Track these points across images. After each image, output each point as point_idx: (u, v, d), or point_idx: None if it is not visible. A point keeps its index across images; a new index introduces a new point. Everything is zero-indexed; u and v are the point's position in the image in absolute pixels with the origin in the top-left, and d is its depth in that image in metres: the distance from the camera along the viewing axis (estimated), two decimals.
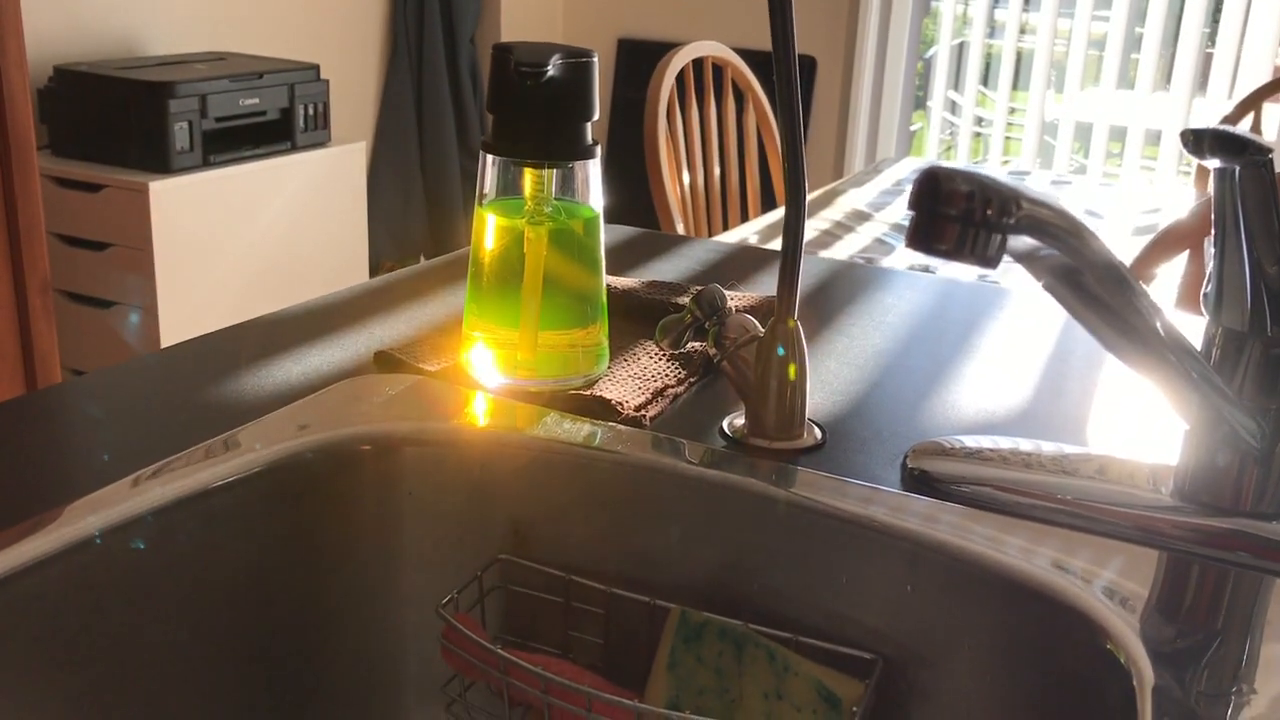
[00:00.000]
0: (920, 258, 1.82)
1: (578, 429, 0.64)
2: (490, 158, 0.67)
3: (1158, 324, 0.48)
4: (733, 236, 1.89)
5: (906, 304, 0.90)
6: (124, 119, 2.31)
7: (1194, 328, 0.56)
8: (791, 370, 0.62)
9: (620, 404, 0.66)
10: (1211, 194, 0.51)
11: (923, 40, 3.70)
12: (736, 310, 0.66)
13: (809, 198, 2.18)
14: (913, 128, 3.71)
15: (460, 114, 3.44)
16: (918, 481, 0.60)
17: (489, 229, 0.68)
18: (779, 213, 2.00)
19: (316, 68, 2.64)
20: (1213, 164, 0.49)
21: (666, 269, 0.97)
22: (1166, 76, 3.43)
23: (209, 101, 2.36)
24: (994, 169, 3.08)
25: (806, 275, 0.97)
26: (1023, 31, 3.78)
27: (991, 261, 0.38)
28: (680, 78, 2.12)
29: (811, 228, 2.00)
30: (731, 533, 0.59)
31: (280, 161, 2.55)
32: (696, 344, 0.72)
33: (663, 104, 2.03)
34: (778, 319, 0.62)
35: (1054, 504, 0.57)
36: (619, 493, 0.62)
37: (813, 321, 0.84)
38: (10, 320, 1.87)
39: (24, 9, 1.83)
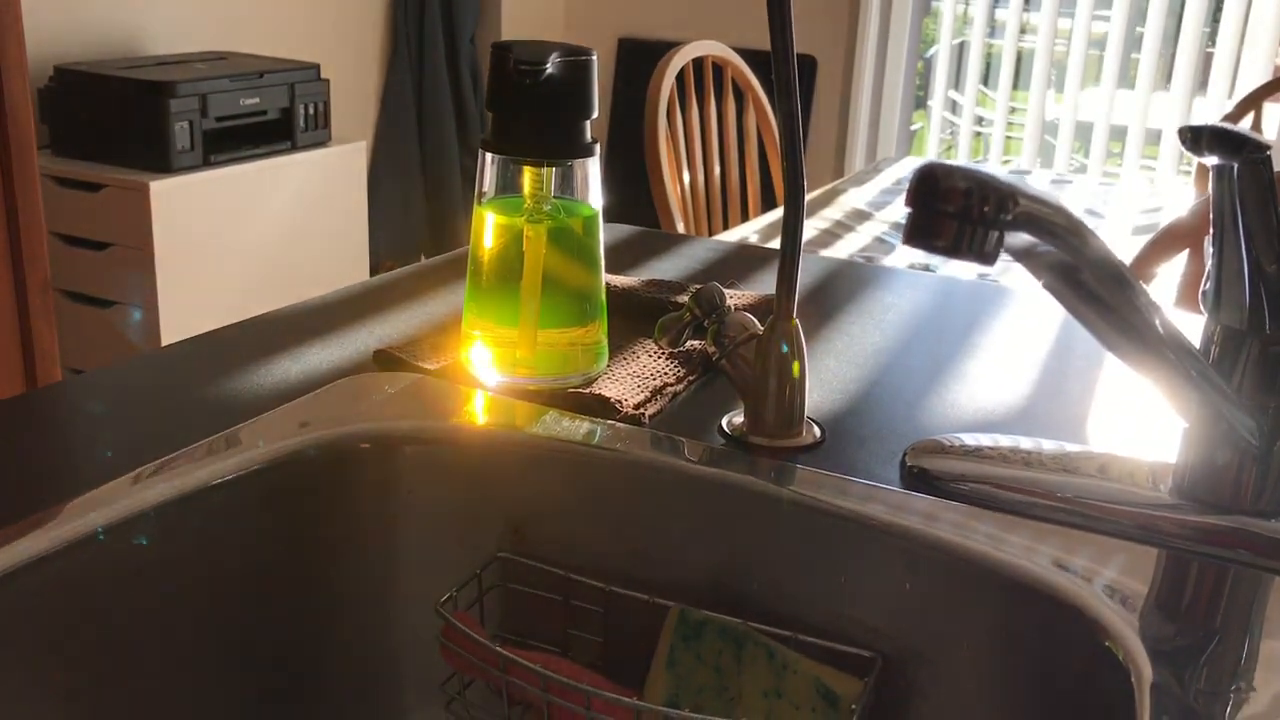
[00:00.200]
0: (920, 256, 1.82)
1: (577, 427, 0.64)
2: (489, 156, 0.67)
3: (1156, 322, 0.48)
4: (733, 236, 1.89)
5: (906, 302, 0.90)
6: (124, 118, 2.31)
7: (1193, 326, 0.56)
8: (791, 368, 0.62)
9: (619, 402, 0.66)
10: (1210, 200, 0.51)
11: (923, 40, 3.70)
12: (735, 308, 0.66)
13: (809, 197, 2.18)
14: (913, 127, 3.71)
15: (461, 114, 3.44)
16: (917, 479, 0.60)
17: (488, 227, 0.68)
18: (779, 212, 2.00)
19: (317, 67, 2.64)
20: (1211, 161, 0.49)
21: (666, 268, 0.97)
22: (1166, 76, 3.43)
23: (209, 101, 2.36)
24: (994, 168, 3.08)
25: (806, 274, 0.97)
26: (1023, 31, 3.78)
27: (989, 258, 0.38)
28: (680, 77, 2.12)
29: (812, 227, 2.00)
30: (731, 531, 0.59)
31: (281, 161, 2.55)
32: (696, 342, 0.72)
33: (663, 103, 2.03)
34: (777, 317, 0.62)
35: (1053, 502, 0.57)
36: (618, 491, 0.62)
37: (812, 320, 0.84)
38: (10, 320, 1.87)
39: (24, 8, 1.83)
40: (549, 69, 0.62)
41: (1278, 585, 0.52)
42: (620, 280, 0.85)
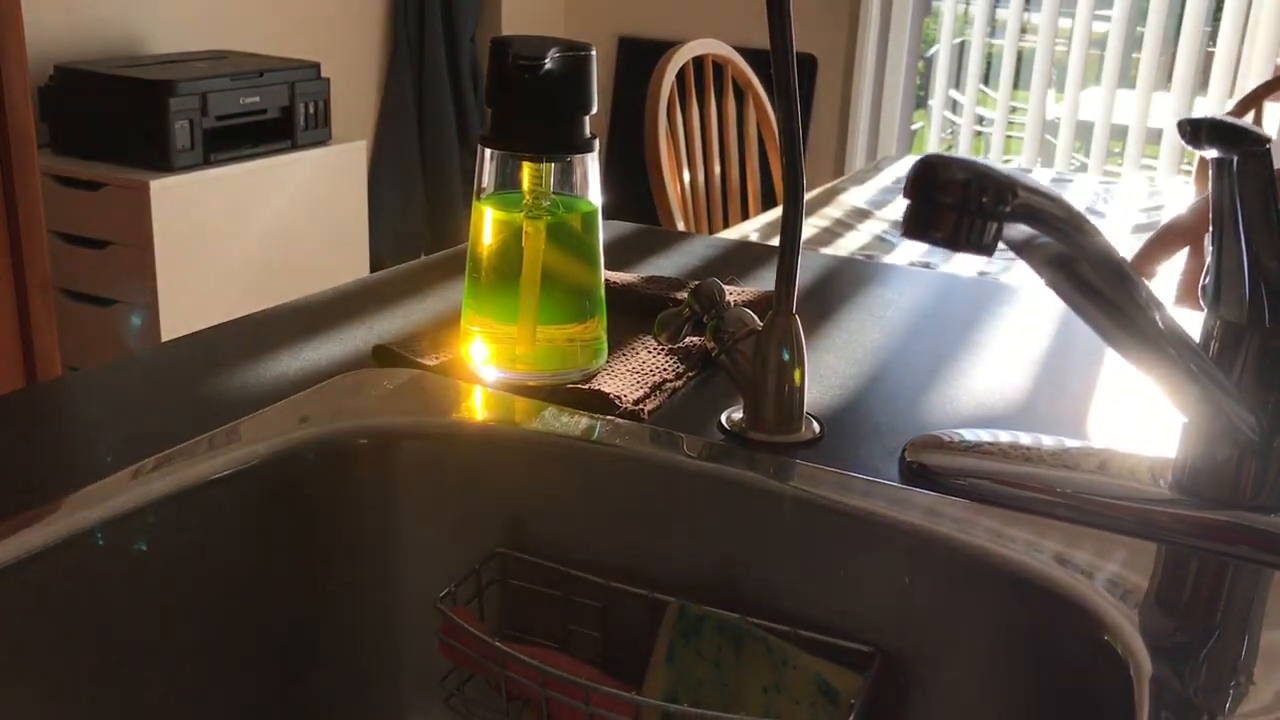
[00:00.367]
0: (920, 255, 1.82)
1: (576, 423, 0.64)
2: (489, 151, 0.67)
3: (1156, 316, 0.48)
4: (733, 234, 1.89)
5: (906, 299, 0.90)
6: (124, 117, 2.31)
7: (1193, 323, 0.56)
8: (790, 364, 0.62)
9: (618, 398, 0.66)
10: (1210, 195, 0.51)
11: (924, 39, 3.70)
12: (735, 304, 0.66)
13: (810, 195, 2.18)
14: (913, 126, 3.71)
15: (461, 113, 3.44)
16: (916, 475, 0.60)
17: (487, 223, 0.68)
18: (779, 211, 2.00)
19: (317, 66, 2.64)
20: (1210, 154, 0.49)
21: (666, 265, 0.97)
22: (1167, 75, 3.43)
23: (209, 100, 2.36)
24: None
25: (806, 271, 0.96)
26: (1023, 31, 3.78)
27: (987, 250, 0.38)
28: (681, 76, 2.12)
29: (812, 225, 2.00)
30: (730, 526, 0.59)
31: (281, 160, 2.55)
32: (695, 338, 0.72)
33: (663, 102, 2.03)
34: (776, 313, 0.62)
35: (1053, 497, 0.57)
36: (617, 487, 0.61)
37: (812, 316, 0.84)
38: (10, 319, 1.87)
39: (24, 7, 1.83)
40: (548, 64, 0.62)
41: (1277, 580, 0.52)
42: (620, 277, 0.85)
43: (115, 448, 0.58)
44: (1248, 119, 2.30)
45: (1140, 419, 0.70)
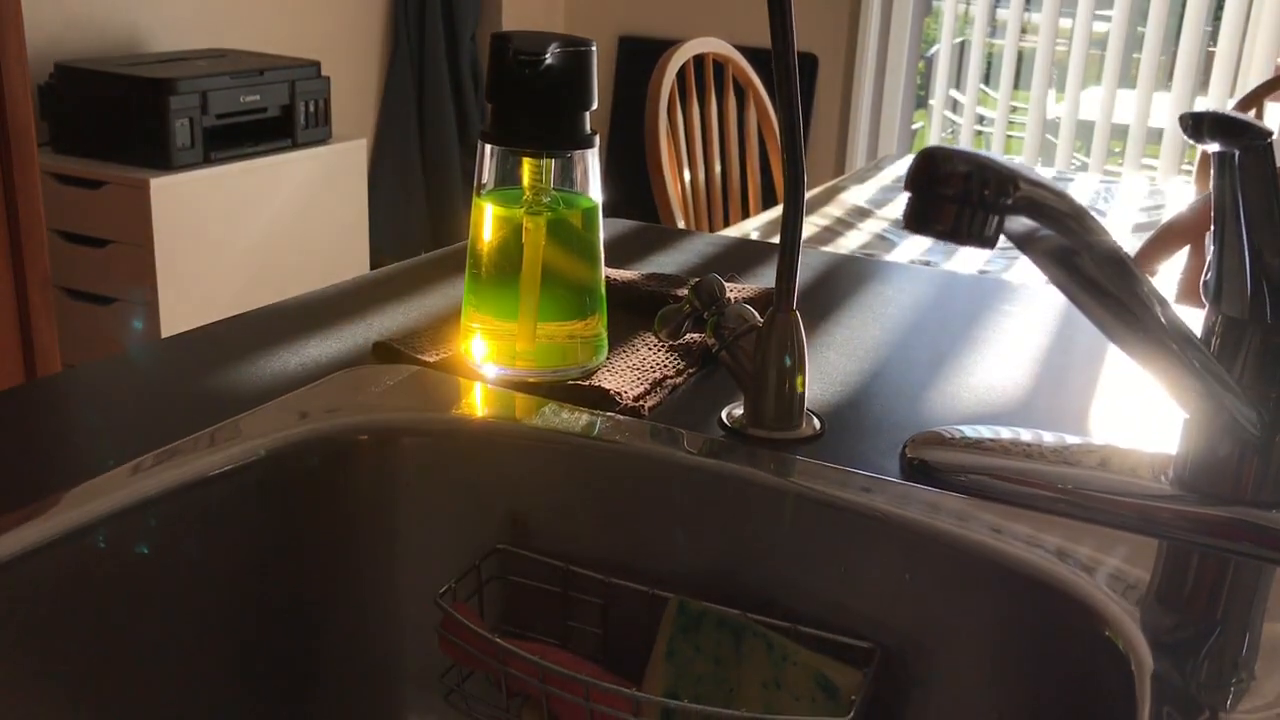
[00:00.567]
0: (921, 254, 1.82)
1: (576, 419, 0.63)
2: (489, 147, 0.67)
3: (1158, 311, 0.48)
4: (733, 233, 1.89)
5: (906, 296, 0.90)
6: (125, 115, 2.31)
7: (1195, 318, 0.56)
8: (791, 360, 0.62)
9: (619, 394, 0.66)
10: (1212, 190, 0.50)
11: (924, 39, 3.70)
12: (735, 301, 0.66)
13: (810, 194, 2.18)
14: (914, 126, 3.71)
15: (461, 112, 3.44)
16: (917, 471, 0.59)
17: (487, 219, 0.68)
18: (779, 210, 2.00)
19: (317, 64, 2.64)
20: (1212, 148, 0.49)
21: (666, 262, 0.97)
22: (1168, 75, 3.43)
23: (210, 98, 2.36)
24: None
25: (806, 269, 0.96)
26: (1024, 31, 3.78)
27: (989, 242, 0.38)
28: (681, 74, 2.12)
29: (812, 224, 2.00)
30: (730, 522, 0.59)
31: (281, 159, 2.55)
32: (695, 335, 0.72)
33: (663, 100, 2.03)
34: (777, 309, 0.61)
35: (1054, 493, 0.57)
36: (617, 483, 0.61)
37: (812, 314, 0.84)
38: (10, 317, 1.87)
39: (25, 5, 1.83)
40: (548, 59, 0.62)
41: (1279, 576, 0.52)
42: (620, 274, 0.85)
43: (115, 443, 0.58)
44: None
45: (1141, 415, 0.70)
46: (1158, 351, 0.49)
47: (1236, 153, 0.48)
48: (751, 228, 1.92)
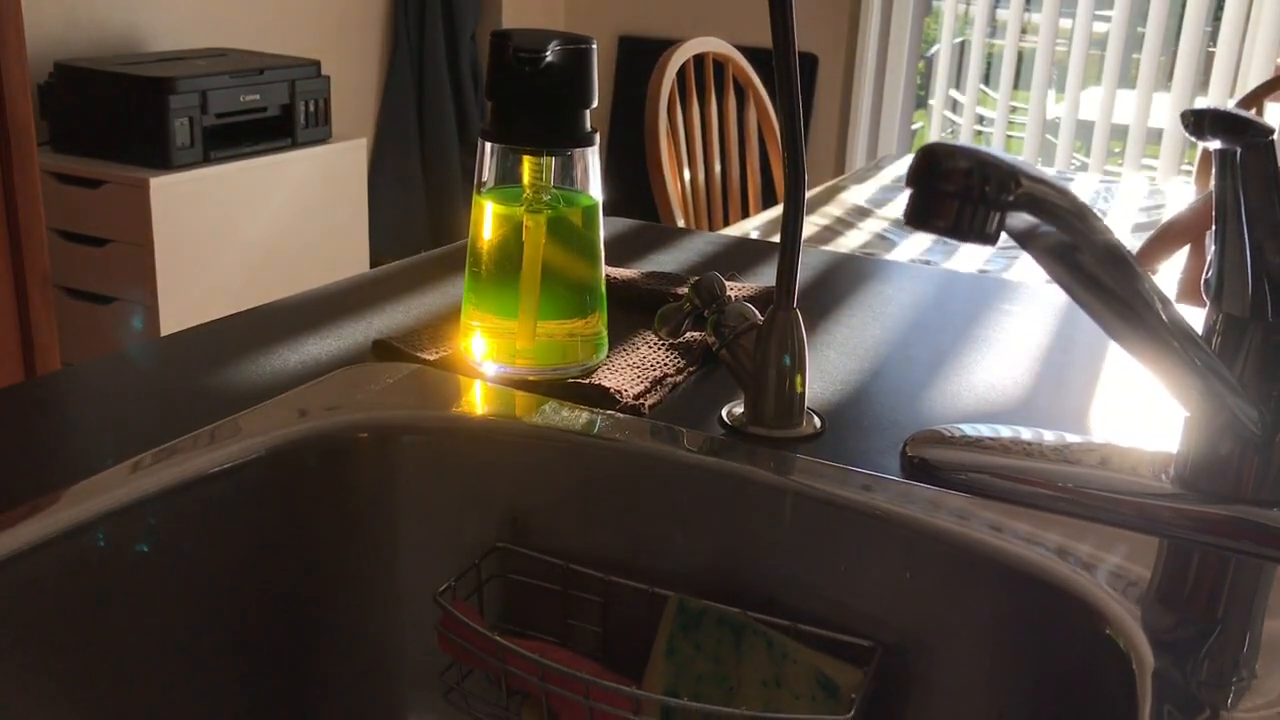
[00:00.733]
0: (921, 254, 1.82)
1: (576, 417, 0.63)
2: (489, 146, 0.67)
3: (1159, 309, 0.48)
4: (733, 232, 1.89)
5: (907, 295, 0.90)
6: (124, 115, 2.31)
7: (1196, 316, 0.56)
8: (790, 359, 0.62)
9: (619, 392, 0.66)
10: (1212, 190, 0.50)
11: (924, 39, 3.70)
12: (735, 299, 0.66)
13: (810, 194, 2.18)
14: (914, 126, 3.71)
15: (461, 111, 3.44)
16: (917, 469, 0.59)
17: (487, 217, 0.67)
18: (779, 209, 2.00)
19: (317, 64, 2.64)
20: (1214, 145, 0.49)
21: (666, 261, 0.97)
22: (1167, 75, 3.43)
23: (209, 97, 2.36)
24: None
25: (807, 267, 0.96)
26: (1024, 31, 3.78)
27: (990, 239, 0.38)
28: (681, 74, 2.12)
29: (813, 223, 2.00)
30: (730, 520, 0.59)
31: (281, 158, 2.55)
32: (695, 333, 0.72)
33: (663, 100, 2.03)
34: (777, 307, 0.61)
35: (1054, 492, 0.57)
36: (617, 481, 0.61)
37: (813, 312, 0.84)
38: (10, 316, 1.87)
39: (25, 4, 1.83)
40: (548, 57, 0.62)
41: (1279, 575, 0.52)
42: (620, 272, 0.85)
43: (114, 441, 0.58)
44: None
45: (1142, 413, 0.70)
46: (1159, 349, 0.49)
47: (1238, 150, 0.48)
48: (751, 227, 1.92)
